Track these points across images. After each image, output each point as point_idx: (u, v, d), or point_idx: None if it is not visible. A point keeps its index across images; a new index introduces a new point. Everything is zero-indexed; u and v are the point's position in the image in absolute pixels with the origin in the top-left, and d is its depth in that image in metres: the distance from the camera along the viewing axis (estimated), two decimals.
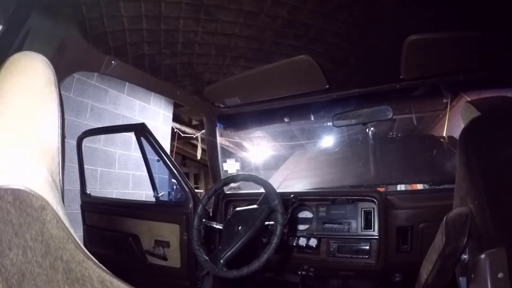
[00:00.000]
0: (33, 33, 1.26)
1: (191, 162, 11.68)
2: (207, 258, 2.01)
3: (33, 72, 0.69)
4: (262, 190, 2.09)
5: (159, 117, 5.83)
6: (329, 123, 3.37)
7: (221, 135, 2.92)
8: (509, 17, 1.59)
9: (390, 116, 2.38)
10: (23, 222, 0.60)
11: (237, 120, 2.99)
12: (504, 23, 1.65)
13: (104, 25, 1.53)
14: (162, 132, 5.77)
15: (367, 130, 3.81)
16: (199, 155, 7.94)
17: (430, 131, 7.11)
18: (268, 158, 8.88)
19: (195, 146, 8.44)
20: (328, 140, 4.97)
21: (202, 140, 7.75)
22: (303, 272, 2.26)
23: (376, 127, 4.63)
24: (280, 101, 2.53)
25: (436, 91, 3.10)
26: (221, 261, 1.91)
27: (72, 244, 0.62)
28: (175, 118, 6.63)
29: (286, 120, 2.86)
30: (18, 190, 0.61)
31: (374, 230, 2.20)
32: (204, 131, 7.22)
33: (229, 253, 1.92)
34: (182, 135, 7.30)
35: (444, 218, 1.21)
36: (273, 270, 2.55)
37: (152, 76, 2.06)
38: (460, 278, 1.20)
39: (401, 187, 4.10)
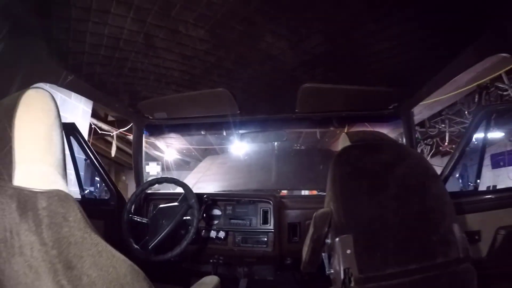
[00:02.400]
0: (7, 45, 1.58)
1: (103, 159, 11.36)
2: (137, 246, 2.52)
3: (47, 107, 0.92)
4: (178, 190, 2.68)
5: (78, 112, 5.90)
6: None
7: (146, 142, 3.39)
8: (370, 75, 2.39)
9: (284, 139, 3.16)
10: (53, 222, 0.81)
11: (162, 130, 3.46)
12: (368, 80, 2.46)
13: (68, 46, 1.91)
14: (80, 128, 5.77)
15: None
16: (113, 152, 8.00)
17: (331, 145, 7.99)
18: (184, 160, 9.33)
19: (108, 143, 8.50)
20: (238, 148, 5.42)
21: (118, 138, 7.83)
22: (215, 261, 2.82)
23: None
24: (199, 119, 3.15)
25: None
26: (150, 248, 2.46)
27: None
28: (92, 113, 6.64)
29: (203, 133, 3.45)
30: (56, 192, 0.83)
31: (270, 225, 2.79)
32: (122, 129, 7.43)
33: (156, 241, 2.47)
34: (100, 131, 7.32)
35: (314, 215, 1.84)
36: (190, 260, 3.02)
37: (98, 90, 2.49)
38: (323, 254, 1.86)
39: (305, 192, 4.84)
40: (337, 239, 1.69)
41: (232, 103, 2.73)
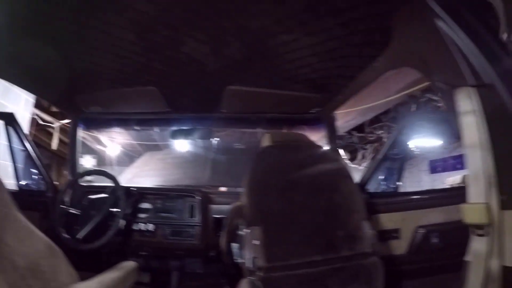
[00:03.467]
0: None
1: (43, 151, 10.94)
2: (67, 236, 2.56)
3: None
4: (111, 183, 2.75)
5: (21, 101, 5.59)
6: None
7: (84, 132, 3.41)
8: (290, 81, 2.56)
9: (212, 137, 3.28)
10: None
11: (97, 123, 3.55)
12: (290, 85, 2.63)
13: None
14: (21, 118, 5.53)
15: (211, 139, 4.53)
16: (55, 145, 7.78)
17: None
18: (125, 155, 9.23)
19: (50, 134, 8.20)
20: (179, 145, 5.41)
21: (62, 131, 7.58)
22: (145, 253, 2.88)
23: (225, 137, 5.34)
24: (133, 114, 3.26)
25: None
26: (80, 237, 2.53)
27: None
28: (36, 103, 6.28)
29: (136, 128, 3.54)
30: None
31: (196, 219, 2.88)
32: (64, 121, 7.22)
33: (84, 231, 2.55)
34: (42, 122, 7.11)
35: (229, 208, 1.99)
36: (121, 252, 2.96)
37: (34, 81, 2.58)
38: (234, 245, 1.99)
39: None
40: (247, 230, 1.82)
41: (162, 101, 2.88)
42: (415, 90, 4.85)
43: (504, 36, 1.17)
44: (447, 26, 1.35)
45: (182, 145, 5.03)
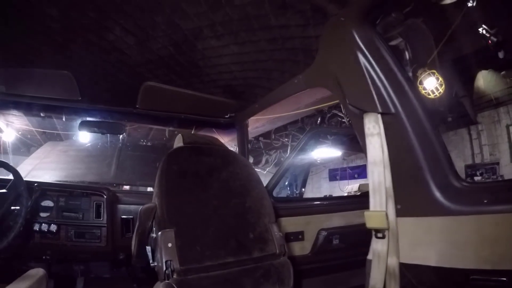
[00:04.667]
0: None
1: None
2: None
3: None
4: (12, 176, 2.45)
5: None
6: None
7: None
8: (210, 85, 2.63)
9: (123, 132, 3.19)
10: None
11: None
12: (208, 88, 2.71)
13: None
14: None
15: (121, 135, 4.41)
16: None
17: None
18: (21, 142, 8.47)
19: None
20: (82, 136, 5.20)
21: None
22: (48, 257, 2.64)
23: (135, 133, 5.20)
24: (40, 99, 2.92)
25: None
26: None
27: None
28: None
29: (42, 114, 3.22)
30: None
31: (103, 219, 2.75)
32: None
33: None
34: None
35: (139, 209, 1.94)
36: (21, 257, 2.74)
37: None
38: (147, 247, 1.96)
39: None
40: (159, 233, 1.83)
41: (74, 88, 2.69)
42: (324, 105, 5.18)
43: (410, 73, 1.40)
44: (364, 58, 1.56)
45: (88, 138, 4.76)
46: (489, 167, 8.89)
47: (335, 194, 10.40)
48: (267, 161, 9.45)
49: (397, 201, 1.48)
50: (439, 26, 3.70)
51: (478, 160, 9.23)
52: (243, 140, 3.22)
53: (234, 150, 2.71)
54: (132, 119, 3.57)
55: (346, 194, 8.28)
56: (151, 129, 6.72)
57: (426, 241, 1.41)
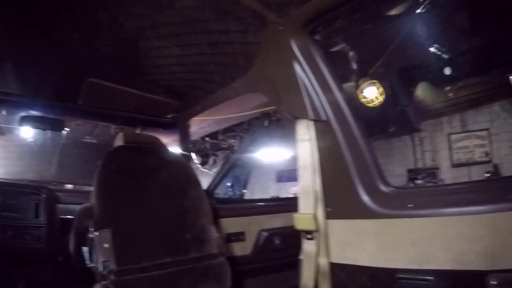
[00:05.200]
0: None
1: None
2: None
3: None
4: None
5: None
6: None
7: None
8: (153, 84, 2.63)
9: (63, 128, 3.11)
10: None
11: None
12: (151, 88, 2.71)
13: None
14: None
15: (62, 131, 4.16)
16: None
17: None
18: None
19: None
20: (24, 132, 4.92)
21: None
22: None
23: (76, 130, 5.02)
24: None
25: None
26: None
27: None
28: None
29: None
30: None
31: (42, 220, 2.62)
32: None
33: None
34: None
35: (77, 209, 1.94)
36: None
37: None
38: (84, 248, 1.95)
39: None
40: (96, 233, 1.83)
41: (14, 81, 2.59)
42: (270, 108, 5.28)
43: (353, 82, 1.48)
44: (300, 67, 1.64)
45: (31, 133, 4.53)
46: (430, 171, 9.40)
47: (281, 195, 10.57)
48: (214, 162, 9.46)
49: (327, 204, 1.56)
50: (388, 36, 3.86)
51: (420, 165, 9.71)
52: (185, 141, 3.23)
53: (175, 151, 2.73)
54: (74, 115, 3.50)
55: (292, 195, 8.44)
56: (96, 125, 6.56)
57: (356, 242, 1.49)
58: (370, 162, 1.48)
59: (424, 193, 1.55)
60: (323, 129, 1.57)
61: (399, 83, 6.15)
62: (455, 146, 9.25)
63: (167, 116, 3.22)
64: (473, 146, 9.02)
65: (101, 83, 2.56)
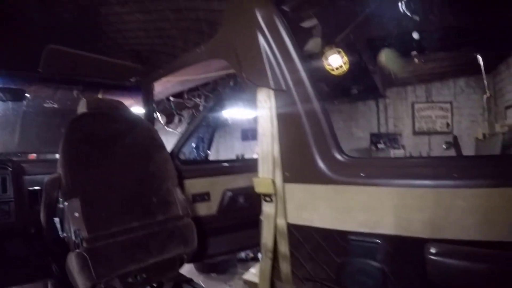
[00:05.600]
0: None
1: None
2: None
3: None
4: None
5: None
6: None
7: None
8: (116, 49, 2.61)
9: (24, 98, 3.16)
10: None
11: None
12: (114, 52, 2.68)
13: None
14: None
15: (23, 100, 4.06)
16: None
17: None
18: None
19: None
20: None
21: None
22: None
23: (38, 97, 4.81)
24: None
25: None
26: None
27: None
28: None
29: None
30: None
31: (10, 194, 2.61)
32: None
33: None
34: None
35: (45, 181, 1.95)
36: None
37: None
38: (55, 219, 1.98)
39: None
40: (66, 203, 1.87)
41: None
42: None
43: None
44: (263, 37, 1.67)
45: None
46: (392, 137, 9.82)
47: (247, 154, 10.75)
48: (180, 121, 9.37)
49: (285, 169, 1.64)
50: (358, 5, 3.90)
51: (383, 130, 10.05)
52: (148, 104, 3.23)
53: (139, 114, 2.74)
54: (35, 84, 3.43)
55: (256, 156, 8.47)
56: (57, 89, 6.35)
57: (311, 205, 1.60)
58: (327, 131, 1.56)
59: (376, 164, 1.65)
60: (283, 98, 1.63)
61: (367, 51, 6.21)
62: (418, 115, 9.70)
63: (131, 80, 3.20)
64: (435, 117, 9.55)
65: (63, 49, 2.58)
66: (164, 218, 2.20)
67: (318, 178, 1.54)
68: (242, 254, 4.26)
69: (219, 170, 3.20)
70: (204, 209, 2.97)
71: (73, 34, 2.39)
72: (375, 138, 9.94)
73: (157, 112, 8.66)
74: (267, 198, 1.69)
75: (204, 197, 2.96)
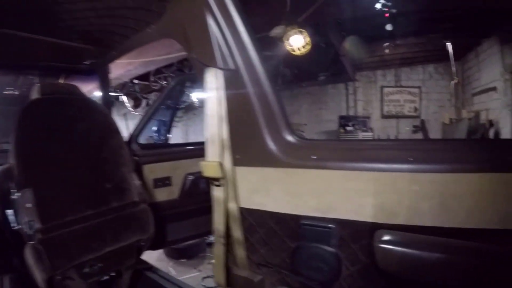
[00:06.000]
0: None
1: None
2: None
3: None
4: None
5: None
6: None
7: None
8: (68, 31, 2.50)
9: None
10: None
11: None
12: (66, 35, 2.57)
13: None
14: None
15: None
16: None
17: None
18: None
19: None
20: None
21: None
22: None
23: None
24: None
25: None
26: None
27: None
28: None
29: None
30: None
31: None
32: None
33: None
34: None
35: None
36: None
37: None
38: (8, 211, 1.87)
39: None
40: (18, 194, 1.78)
41: None
42: None
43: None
44: (211, 15, 1.59)
45: None
46: (361, 119, 10.00)
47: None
48: (147, 105, 9.19)
49: (235, 152, 1.59)
50: None
51: (352, 113, 10.23)
52: (104, 87, 3.14)
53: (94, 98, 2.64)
54: None
55: None
56: (18, 76, 6.14)
57: (263, 188, 1.56)
58: (278, 112, 1.51)
59: (328, 146, 1.61)
60: (232, 78, 1.57)
61: (335, 34, 6.21)
62: (387, 98, 9.91)
63: (85, 63, 3.08)
64: (403, 101, 9.78)
65: (12, 33, 2.42)
66: (119, 205, 2.13)
67: (269, 160, 1.50)
68: (212, 238, 4.23)
69: (180, 154, 3.11)
70: (165, 194, 2.91)
71: (22, 17, 2.26)
72: (344, 121, 10.08)
73: (123, 96, 8.51)
74: (216, 182, 1.64)
75: (165, 181, 2.90)
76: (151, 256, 3.65)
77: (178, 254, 4.15)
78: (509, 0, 4.63)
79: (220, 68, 1.57)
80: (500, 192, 1.13)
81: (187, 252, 4.15)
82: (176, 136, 12.18)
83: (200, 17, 1.62)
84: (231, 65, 1.56)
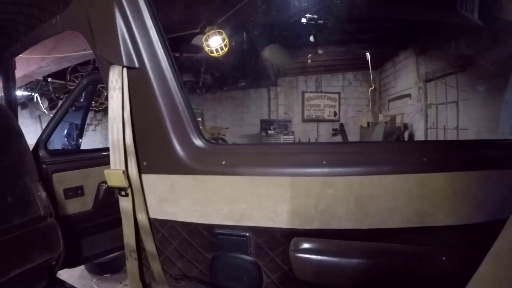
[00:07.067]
0: None
1: None
2: None
3: None
4: None
5: None
6: None
7: None
8: None
9: None
10: None
11: None
12: None
13: None
14: None
15: None
16: None
17: None
18: None
19: None
20: None
21: None
22: None
23: None
24: None
25: None
26: None
27: None
28: None
29: None
30: None
31: None
32: None
33: None
34: None
35: None
36: None
37: None
38: None
39: None
40: None
41: None
42: None
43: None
44: (118, 8, 1.43)
45: None
46: (282, 123, 10.34)
47: None
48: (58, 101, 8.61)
49: (142, 158, 1.46)
50: None
51: (273, 117, 10.51)
52: (8, 85, 2.79)
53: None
54: None
55: None
56: None
57: (172, 197, 1.44)
58: (186, 115, 1.41)
59: (239, 151, 1.53)
60: (136, 77, 1.42)
61: (259, 39, 6.25)
62: (308, 103, 10.36)
63: None
64: (323, 106, 10.31)
65: None
66: (23, 220, 1.89)
67: (177, 167, 1.40)
68: None
69: (93, 160, 2.84)
70: (78, 206, 2.63)
71: None
72: (266, 124, 10.35)
73: (37, 96, 7.92)
74: (122, 192, 1.49)
75: (77, 191, 2.62)
76: (73, 274, 3.45)
77: (100, 269, 3.85)
78: (424, 15, 4.93)
79: (124, 66, 1.42)
80: (416, 192, 1.14)
81: (110, 266, 3.89)
82: (94, 141, 11.62)
83: (107, 8, 1.46)
84: (135, 63, 1.41)
